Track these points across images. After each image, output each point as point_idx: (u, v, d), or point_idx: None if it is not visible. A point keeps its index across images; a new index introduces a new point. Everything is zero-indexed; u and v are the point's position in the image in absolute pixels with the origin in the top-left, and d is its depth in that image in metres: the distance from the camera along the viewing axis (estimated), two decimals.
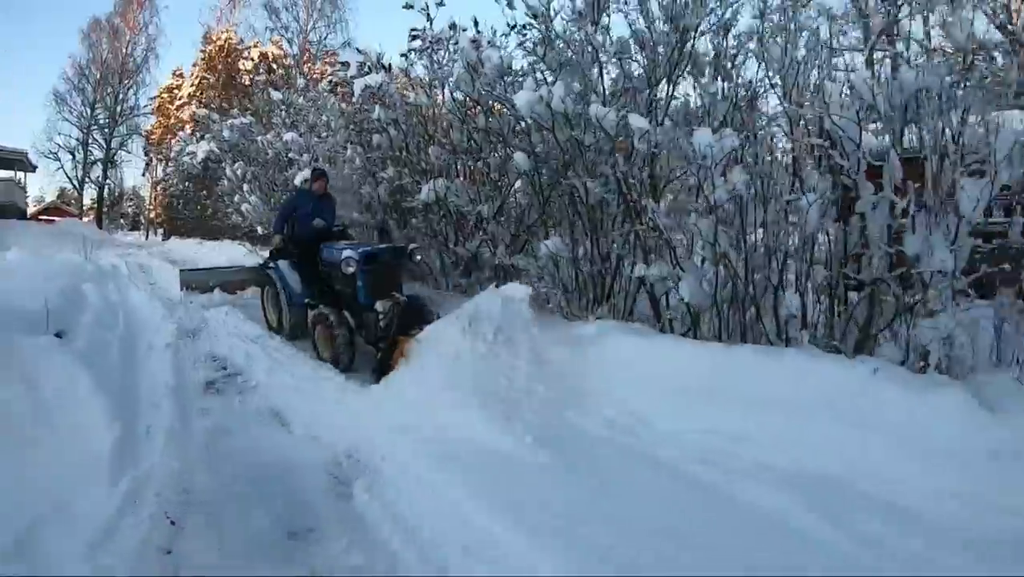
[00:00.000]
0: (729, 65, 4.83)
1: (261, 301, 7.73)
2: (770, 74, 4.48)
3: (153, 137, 39.06)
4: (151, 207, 39.06)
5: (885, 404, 3.38)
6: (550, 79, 5.40)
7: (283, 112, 11.19)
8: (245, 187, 11.52)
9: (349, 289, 6.16)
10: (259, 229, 11.61)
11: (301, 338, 6.74)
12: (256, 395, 5.01)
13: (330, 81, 9.94)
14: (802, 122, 4.31)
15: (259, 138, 11.73)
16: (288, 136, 9.95)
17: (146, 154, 39.91)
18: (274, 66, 33.10)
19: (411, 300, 5.96)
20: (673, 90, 5.11)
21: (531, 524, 2.80)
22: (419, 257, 6.66)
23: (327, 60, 33.64)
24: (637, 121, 4.31)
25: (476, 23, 6.58)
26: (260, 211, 10.98)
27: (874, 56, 4.34)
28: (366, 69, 8.02)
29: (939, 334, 3.69)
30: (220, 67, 35.14)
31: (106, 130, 37.68)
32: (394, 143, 7.33)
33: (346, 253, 5.97)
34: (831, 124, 3.99)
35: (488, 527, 2.84)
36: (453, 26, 7.00)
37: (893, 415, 3.33)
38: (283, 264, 7.20)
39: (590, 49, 5.17)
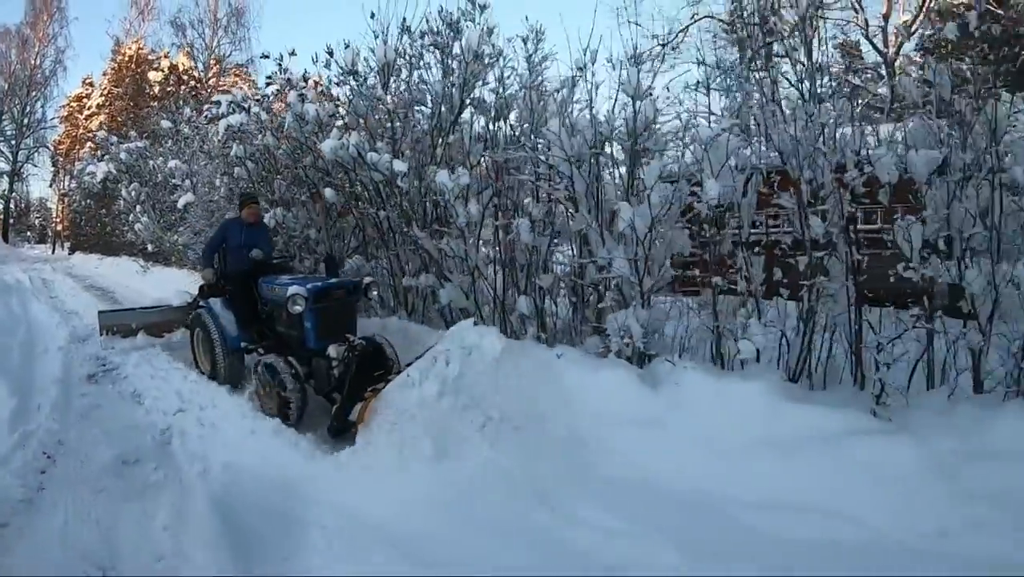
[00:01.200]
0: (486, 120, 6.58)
1: (191, 346, 6.94)
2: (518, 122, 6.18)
3: (61, 147, 38.95)
4: (58, 220, 38.99)
5: (563, 377, 4.48)
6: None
7: (170, 141, 12.52)
8: (138, 207, 12.79)
9: (295, 331, 5.61)
10: (150, 247, 12.84)
11: (240, 388, 6.15)
12: (125, 383, 6.50)
13: (206, 116, 11.29)
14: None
15: (151, 162, 13.02)
16: (172, 163, 11.30)
17: (54, 164, 39.76)
18: (184, 77, 33.92)
19: (367, 342, 5.37)
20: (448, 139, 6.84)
21: None
22: (375, 293, 6.15)
23: (237, 74, 34.73)
24: (398, 165, 6.01)
25: (306, 77, 8.21)
26: (151, 230, 12.27)
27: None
28: (231, 109, 9.50)
29: (616, 326, 4.62)
30: (128, 79, 35.42)
31: (12, 142, 37.49)
32: (252, 175, 8.76)
33: (292, 290, 5.38)
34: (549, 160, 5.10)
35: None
36: (305, 76, 8.57)
37: (569, 384, 4.41)
38: (215, 303, 6.55)
39: (380, 105, 6.85)
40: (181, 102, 16.21)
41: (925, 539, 3.12)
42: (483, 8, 6.62)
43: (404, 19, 6.96)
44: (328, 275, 6.25)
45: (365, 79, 7.01)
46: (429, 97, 6.74)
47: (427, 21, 6.78)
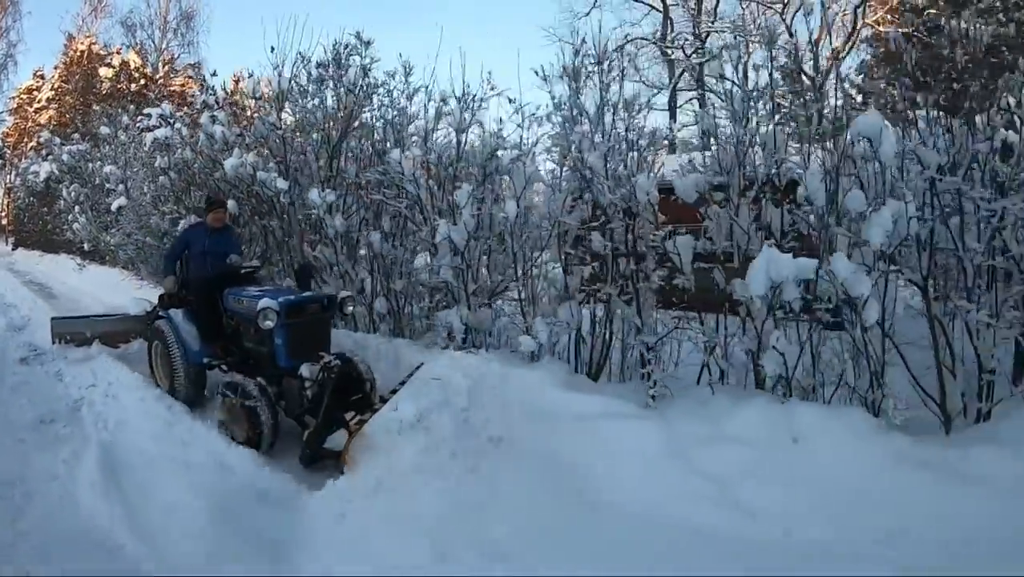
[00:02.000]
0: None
1: (149, 359, 6.59)
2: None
3: (9, 139, 39.01)
4: (3, 213, 39.12)
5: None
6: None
7: (108, 146, 13.54)
8: (77, 208, 13.79)
9: (264, 348, 5.32)
10: (86, 246, 13.82)
11: (200, 406, 5.89)
12: (52, 365, 7.60)
13: (138, 127, 12.35)
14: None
15: (91, 165, 14.01)
16: (107, 168, 12.33)
17: (1, 157, 39.78)
18: (135, 75, 34.44)
19: (342, 361, 5.08)
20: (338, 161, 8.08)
21: None
22: (351, 308, 6.01)
23: (187, 75, 35.39)
24: (280, 183, 7.24)
25: (223, 97, 9.40)
26: (88, 230, 13.28)
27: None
28: (159, 123, 10.62)
29: (442, 323, 5.73)
30: (79, 75, 35.74)
31: None
32: (174, 184, 9.88)
33: (263, 303, 5.05)
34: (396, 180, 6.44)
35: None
36: (224, 95, 9.74)
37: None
38: (176, 314, 6.19)
39: (275, 129, 8.06)
40: (128, 101, 17.11)
41: (647, 505, 3.72)
42: (367, 44, 7.88)
43: (300, 52, 8.15)
44: (300, 287, 5.96)
45: (263, 105, 8.24)
46: (316, 123, 7.99)
47: (325, 52, 7.97)
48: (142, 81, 34.01)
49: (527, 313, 5.62)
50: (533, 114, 5.62)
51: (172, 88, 32.72)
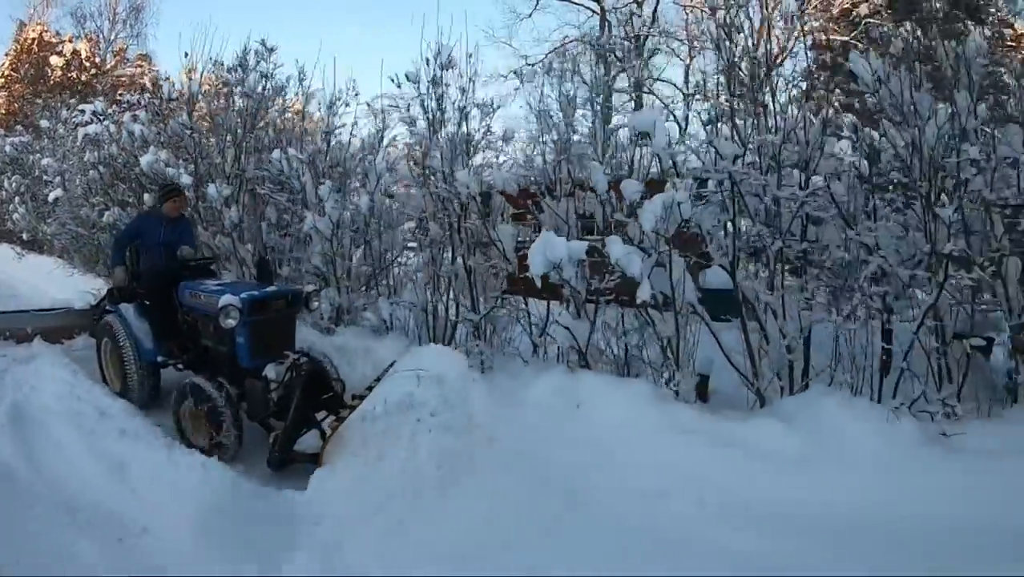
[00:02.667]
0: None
1: (98, 358, 6.20)
2: None
3: None
4: None
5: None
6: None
7: (47, 139, 14.21)
8: (17, 199, 14.43)
9: (224, 347, 5.07)
10: (25, 235, 14.46)
11: (155, 408, 5.58)
12: None
13: (73, 122, 13.06)
14: None
15: (31, 157, 14.64)
16: (45, 161, 13.01)
17: None
18: (86, 64, 34.60)
19: (310, 359, 4.94)
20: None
21: None
22: (317, 304, 5.66)
23: (138, 64, 35.64)
24: (184, 178, 8.11)
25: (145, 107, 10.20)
26: (27, 220, 13.94)
27: None
28: (91, 119, 11.36)
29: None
30: (28, 64, 35.73)
31: None
32: (103, 178, 10.63)
33: (225, 299, 4.78)
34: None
35: None
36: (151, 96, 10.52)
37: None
38: (127, 309, 5.86)
39: (186, 129, 8.92)
40: (78, 91, 17.58)
41: None
42: (271, 51, 8.78)
43: (211, 58, 9.03)
44: (260, 281, 5.70)
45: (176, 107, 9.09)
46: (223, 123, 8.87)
47: (238, 56, 8.83)
48: (92, 71, 34.20)
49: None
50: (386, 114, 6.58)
51: (122, 79, 32.97)
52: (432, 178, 6.02)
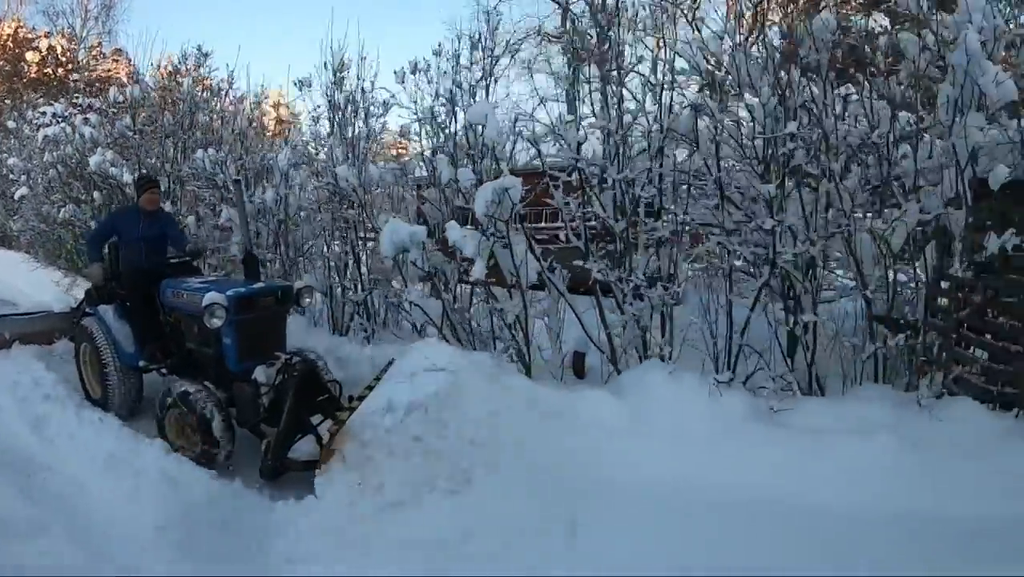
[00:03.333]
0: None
1: (77, 364, 5.90)
2: None
3: None
4: None
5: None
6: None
7: (13, 139, 14.95)
8: None
9: (210, 349, 4.83)
10: None
11: (137, 417, 5.39)
12: None
13: (35, 124, 13.80)
14: None
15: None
16: (11, 160, 13.77)
17: None
18: (62, 60, 35.09)
19: (301, 359, 4.56)
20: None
21: None
22: (309, 300, 5.39)
23: (114, 59, 36.15)
24: (126, 176, 8.93)
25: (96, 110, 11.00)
26: None
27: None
28: (50, 120, 12.14)
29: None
30: (4, 60, 36.04)
31: None
32: (61, 176, 11.43)
33: (210, 297, 4.52)
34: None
35: None
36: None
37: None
38: (106, 311, 5.53)
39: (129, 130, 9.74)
40: (54, 87, 18.08)
41: None
42: (206, 55, 9.62)
43: (152, 63, 9.86)
44: (248, 278, 5.45)
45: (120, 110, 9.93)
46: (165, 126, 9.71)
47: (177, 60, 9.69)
48: (69, 66, 34.66)
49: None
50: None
51: (97, 75, 33.47)
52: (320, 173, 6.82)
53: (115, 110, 10.02)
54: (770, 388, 4.48)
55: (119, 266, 5.80)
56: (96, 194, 9.69)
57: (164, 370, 5.25)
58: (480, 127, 5.43)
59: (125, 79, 24.05)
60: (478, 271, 5.05)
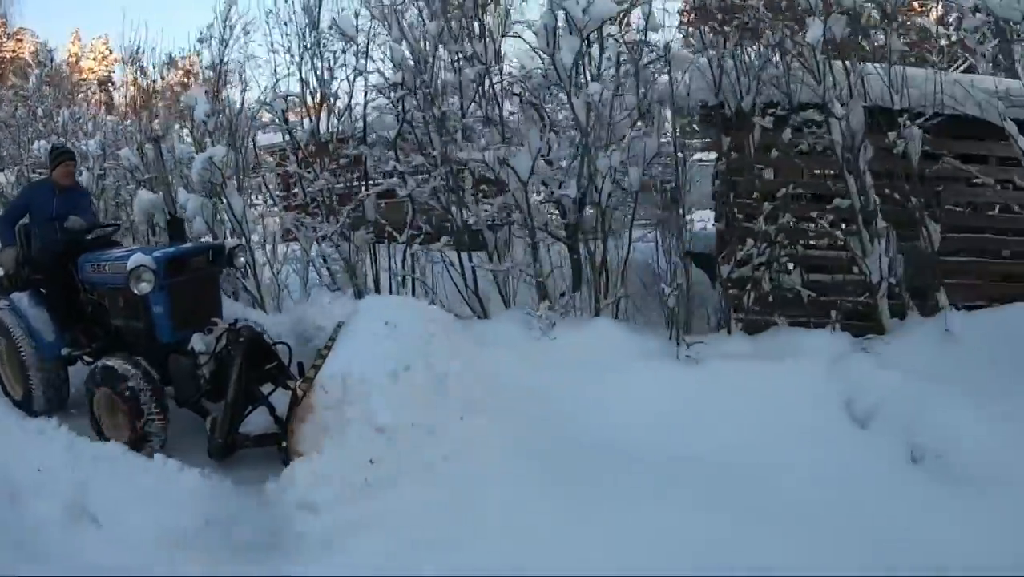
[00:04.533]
0: None
1: None
2: None
3: None
4: None
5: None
6: None
7: None
8: None
9: (139, 322, 4.36)
10: None
11: (60, 412, 4.77)
12: None
13: None
14: None
15: None
16: None
17: None
18: None
19: (245, 324, 4.26)
20: None
21: None
22: (243, 259, 5.10)
23: (18, 37, 35.03)
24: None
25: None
26: None
27: None
28: None
29: None
30: None
31: None
32: None
33: (136, 259, 4.12)
34: None
35: None
36: None
37: None
38: (20, 298, 4.91)
39: None
40: None
41: None
42: (51, 51, 9.98)
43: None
44: (172, 241, 5.13)
45: None
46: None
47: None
48: None
49: None
50: None
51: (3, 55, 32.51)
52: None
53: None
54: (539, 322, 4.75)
55: (30, 250, 5.18)
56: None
57: (89, 357, 4.73)
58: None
59: (29, 59, 23.57)
60: (197, 227, 5.63)
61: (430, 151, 5.29)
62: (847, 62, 4.51)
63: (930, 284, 4.57)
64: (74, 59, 34.18)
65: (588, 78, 5.05)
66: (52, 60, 24.54)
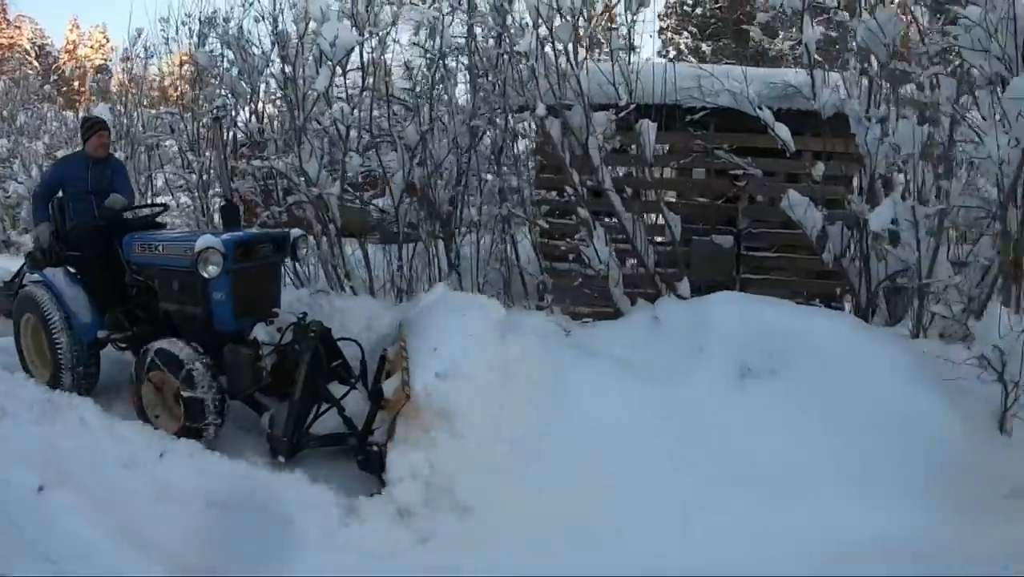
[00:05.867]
0: None
1: (16, 341, 4.86)
2: None
3: None
4: None
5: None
6: None
7: None
8: None
9: (196, 308, 4.09)
10: None
11: (94, 395, 4.41)
12: None
13: None
14: None
15: None
16: None
17: None
18: None
19: (308, 319, 3.98)
20: None
21: None
22: (305, 250, 5.00)
23: (17, 25, 34.94)
24: None
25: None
26: None
27: None
28: None
29: None
30: None
31: None
32: None
33: (204, 241, 3.86)
34: None
35: None
36: None
37: None
38: (54, 275, 4.59)
39: None
40: None
41: None
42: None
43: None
44: (227, 228, 4.55)
45: None
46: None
47: None
48: None
49: None
50: None
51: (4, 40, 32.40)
52: None
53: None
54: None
55: (65, 225, 4.90)
56: None
57: (123, 343, 4.52)
58: None
59: (28, 46, 23.59)
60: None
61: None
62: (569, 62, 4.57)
63: (727, 279, 4.70)
64: (71, 47, 34.09)
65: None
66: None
